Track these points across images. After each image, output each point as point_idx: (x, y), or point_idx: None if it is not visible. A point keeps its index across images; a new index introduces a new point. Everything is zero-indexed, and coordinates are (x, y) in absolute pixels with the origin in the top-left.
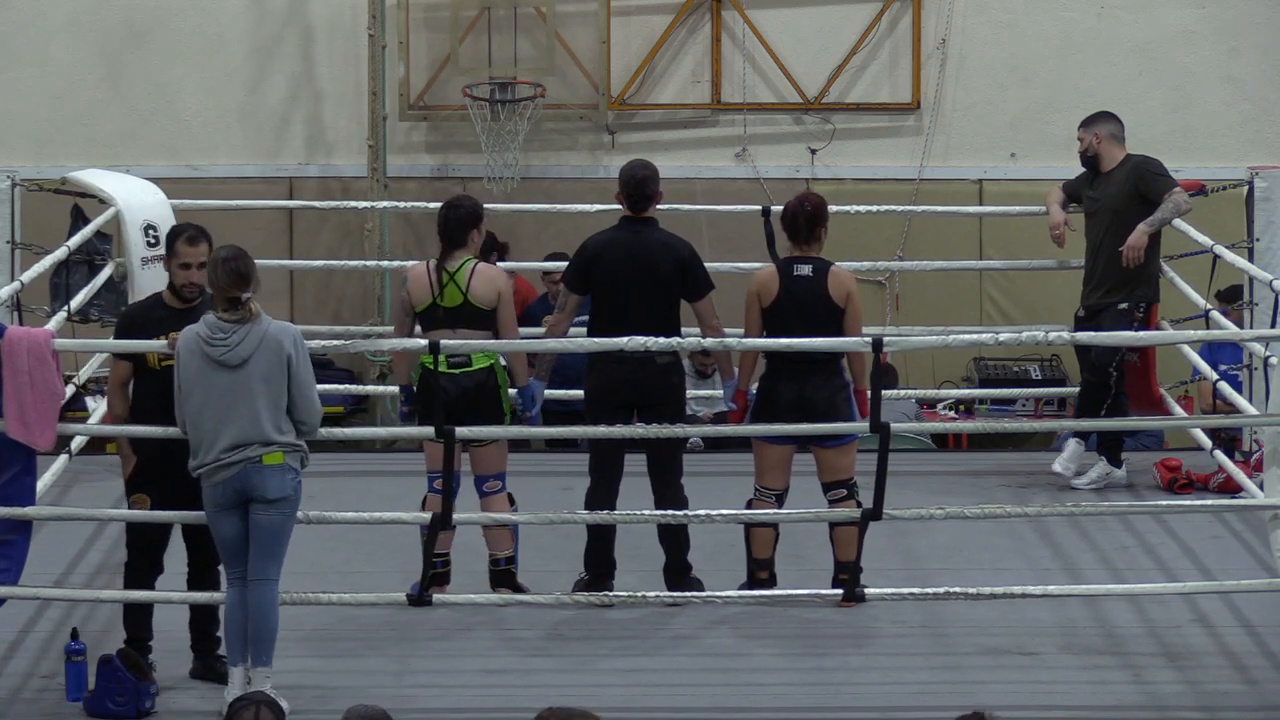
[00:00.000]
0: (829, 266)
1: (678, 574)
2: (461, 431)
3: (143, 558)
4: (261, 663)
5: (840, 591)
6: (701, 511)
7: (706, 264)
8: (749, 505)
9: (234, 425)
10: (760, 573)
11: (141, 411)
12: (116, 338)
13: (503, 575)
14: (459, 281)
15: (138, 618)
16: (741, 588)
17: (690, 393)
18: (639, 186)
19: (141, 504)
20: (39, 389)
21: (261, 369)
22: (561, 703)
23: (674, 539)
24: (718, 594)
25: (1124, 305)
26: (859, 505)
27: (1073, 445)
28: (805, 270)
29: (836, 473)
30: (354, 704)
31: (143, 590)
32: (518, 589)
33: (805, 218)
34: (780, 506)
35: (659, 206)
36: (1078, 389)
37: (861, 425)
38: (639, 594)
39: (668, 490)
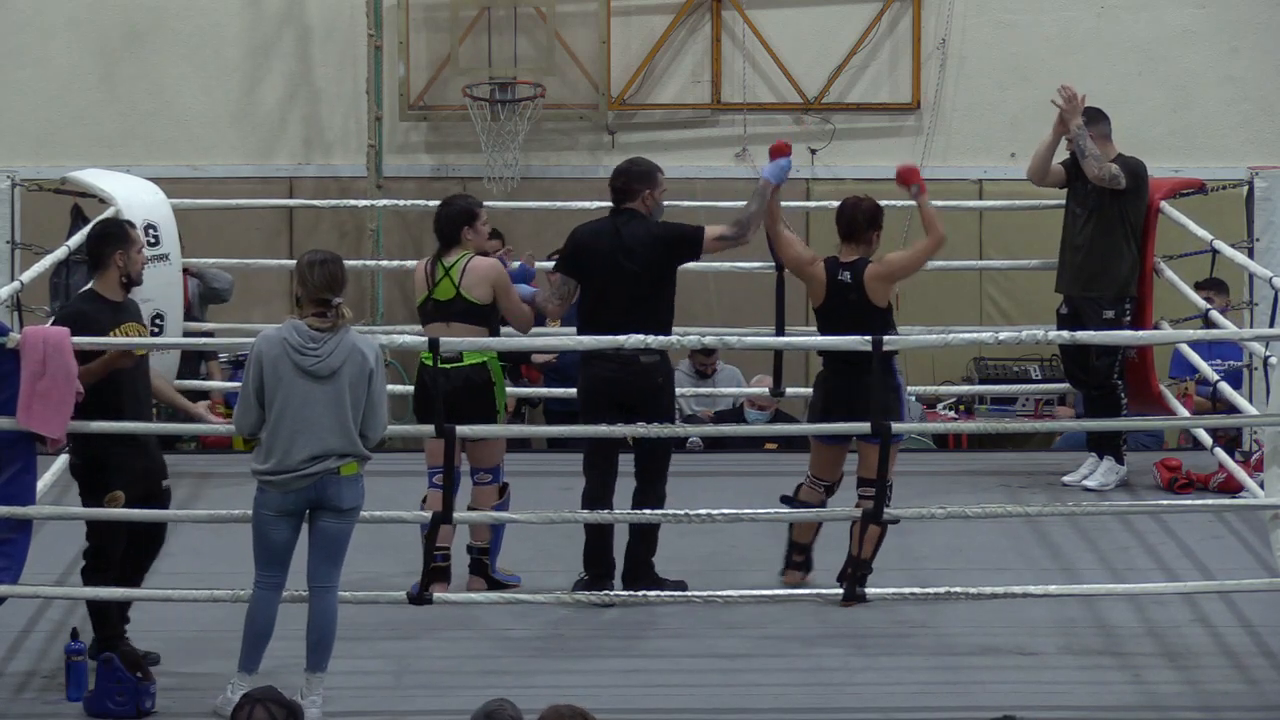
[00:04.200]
0: (865, 268)
1: (637, 576)
2: (462, 430)
3: (110, 555)
4: (321, 669)
5: (840, 591)
6: (702, 510)
7: (707, 264)
8: (798, 489)
9: (316, 435)
10: (796, 556)
11: (105, 406)
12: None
13: (475, 564)
14: (452, 276)
15: (106, 617)
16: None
17: (690, 392)
18: (616, 177)
19: (116, 501)
20: (54, 379)
21: (349, 381)
22: (561, 703)
23: (640, 539)
24: (718, 593)
25: (1110, 314)
26: (883, 510)
27: (1104, 464)
28: (845, 276)
29: (869, 470)
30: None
31: (107, 587)
32: (491, 581)
33: (864, 217)
34: (829, 497)
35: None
36: (1068, 388)
37: (862, 426)
38: (639, 593)
39: (645, 491)
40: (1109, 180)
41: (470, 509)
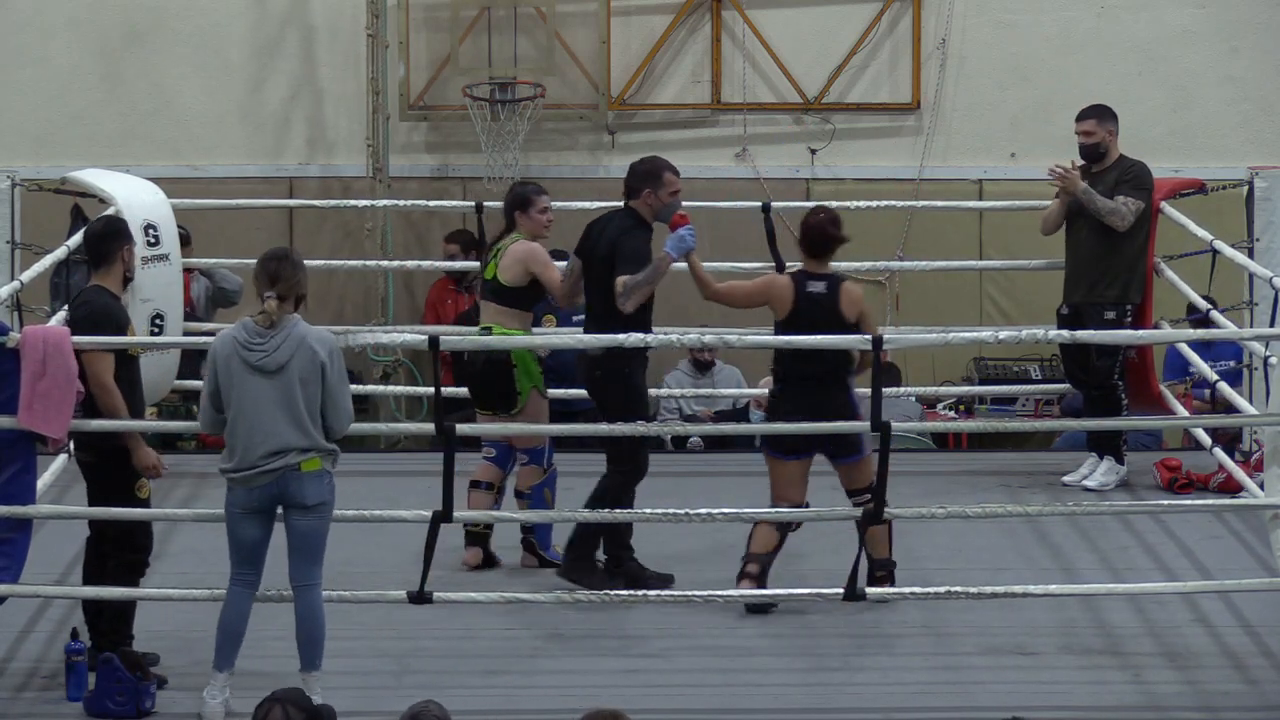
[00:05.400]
0: (841, 283)
1: (573, 558)
2: (462, 428)
3: (145, 549)
4: (314, 667)
5: (840, 591)
6: (702, 510)
7: (706, 264)
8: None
9: (272, 432)
10: (750, 565)
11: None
12: (99, 332)
13: (525, 543)
14: (496, 258)
15: (128, 617)
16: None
17: (690, 392)
18: (626, 176)
19: (144, 490)
20: (55, 379)
21: (298, 376)
22: (560, 703)
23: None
24: (718, 593)
25: (1111, 315)
26: (880, 510)
27: (1104, 464)
28: (819, 287)
29: (856, 481)
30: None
31: (136, 587)
32: (542, 559)
33: (821, 235)
34: (797, 523)
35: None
36: (1068, 388)
37: (862, 425)
38: (639, 594)
39: (603, 477)
40: (1134, 218)
41: (515, 490)
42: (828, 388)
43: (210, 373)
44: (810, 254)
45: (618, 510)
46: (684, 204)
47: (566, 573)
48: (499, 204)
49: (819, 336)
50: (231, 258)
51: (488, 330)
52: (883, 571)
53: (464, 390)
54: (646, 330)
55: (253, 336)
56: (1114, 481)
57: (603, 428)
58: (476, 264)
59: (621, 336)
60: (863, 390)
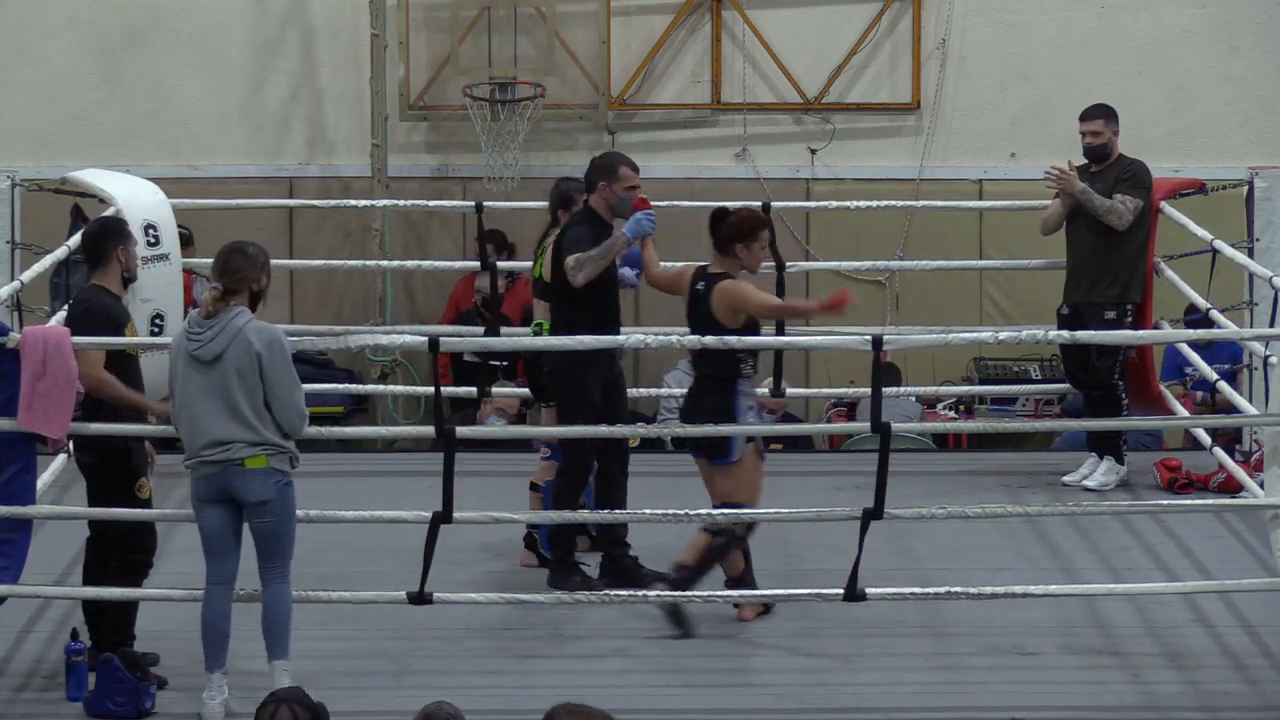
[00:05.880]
0: (717, 283)
1: (551, 564)
2: (462, 431)
3: (150, 548)
4: (279, 656)
5: (840, 591)
6: (702, 510)
7: (705, 263)
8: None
9: (212, 423)
10: (729, 583)
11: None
12: (96, 330)
13: (527, 539)
14: (542, 258)
15: (130, 617)
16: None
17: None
18: (585, 172)
19: (144, 489)
20: (55, 379)
21: (233, 368)
22: (560, 703)
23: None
24: (717, 594)
25: (1111, 315)
26: (730, 535)
27: (1104, 464)
28: (702, 285)
29: (717, 494)
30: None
31: (139, 587)
32: (540, 557)
33: (725, 230)
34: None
35: (657, 203)
36: (1069, 388)
37: (862, 426)
38: (639, 594)
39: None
40: (1132, 216)
41: (530, 483)
42: (706, 387)
43: (169, 363)
44: (714, 248)
45: (618, 512)
46: (684, 204)
47: (548, 579)
48: (499, 204)
49: (818, 337)
50: None
51: (540, 326)
52: (677, 578)
53: (462, 391)
54: (611, 326)
55: (194, 327)
56: (1114, 481)
57: (603, 429)
58: (476, 264)
59: (621, 338)
60: (863, 389)
